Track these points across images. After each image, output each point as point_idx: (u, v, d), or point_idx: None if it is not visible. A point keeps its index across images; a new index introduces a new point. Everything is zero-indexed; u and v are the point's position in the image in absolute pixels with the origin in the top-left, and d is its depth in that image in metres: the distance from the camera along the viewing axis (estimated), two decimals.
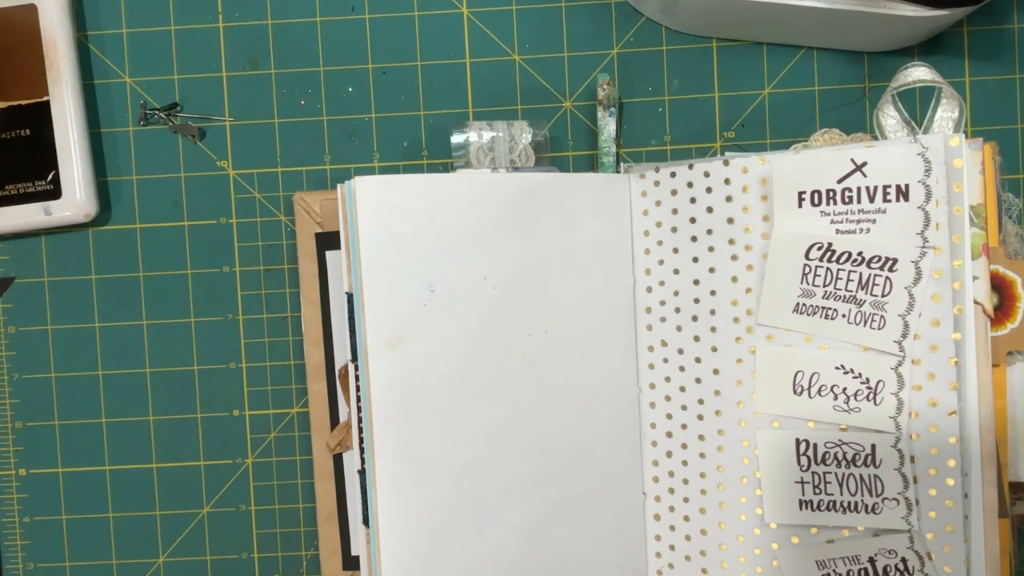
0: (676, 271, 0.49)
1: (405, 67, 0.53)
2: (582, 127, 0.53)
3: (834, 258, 0.45)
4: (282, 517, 0.54)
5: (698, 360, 0.49)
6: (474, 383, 0.47)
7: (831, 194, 0.45)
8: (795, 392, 0.46)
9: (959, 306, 0.44)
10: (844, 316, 0.45)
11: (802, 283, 0.46)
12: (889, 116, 0.48)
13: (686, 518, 0.49)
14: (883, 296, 0.45)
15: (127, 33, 0.54)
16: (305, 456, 0.54)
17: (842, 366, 0.45)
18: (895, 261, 0.44)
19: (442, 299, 0.47)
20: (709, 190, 0.48)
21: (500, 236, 0.47)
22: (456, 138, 0.51)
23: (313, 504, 0.53)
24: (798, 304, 0.46)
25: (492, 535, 0.48)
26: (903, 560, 0.45)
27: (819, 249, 0.46)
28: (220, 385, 0.54)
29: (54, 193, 0.52)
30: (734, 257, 0.48)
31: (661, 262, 0.50)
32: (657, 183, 0.49)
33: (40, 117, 0.52)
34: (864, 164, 0.45)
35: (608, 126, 0.52)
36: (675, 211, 0.49)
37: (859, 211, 0.45)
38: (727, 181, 0.48)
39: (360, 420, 0.47)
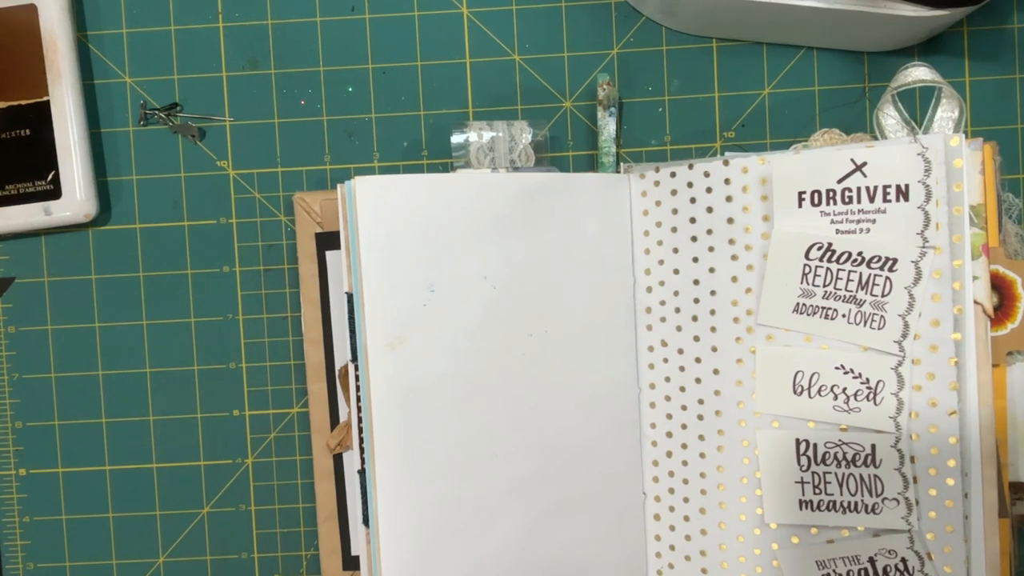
0: (676, 271, 0.49)
1: (405, 67, 0.53)
2: (582, 127, 0.53)
3: (834, 258, 0.45)
4: (282, 517, 0.54)
5: (698, 360, 0.49)
6: (474, 383, 0.47)
7: (831, 194, 0.45)
8: (795, 392, 0.46)
9: (959, 306, 0.44)
10: (844, 316, 0.45)
11: (802, 283, 0.46)
12: (889, 116, 0.48)
13: (686, 518, 0.49)
14: (883, 296, 0.45)
15: (127, 33, 0.54)
16: (305, 456, 0.54)
17: (842, 366, 0.45)
18: (895, 261, 0.44)
19: (442, 299, 0.47)
20: (709, 190, 0.48)
21: (500, 236, 0.47)
22: (456, 138, 0.51)
23: (313, 504, 0.53)
24: (798, 304, 0.46)
25: (492, 535, 0.48)
26: (903, 560, 0.45)
27: (819, 249, 0.46)
28: (220, 385, 0.54)
29: (54, 193, 0.52)
30: (734, 257, 0.48)
31: (661, 262, 0.50)
32: (657, 183, 0.49)
33: (40, 117, 0.52)
34: (864, 164, 0.45)
35: (608, 126, 0.52)
36: (675, 211, 0.49)
37: (859, 211, 0.45)
38: (727, 181, 0.48)
39: (360, 420, 0.47)
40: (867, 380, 0.45)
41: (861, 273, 0.45)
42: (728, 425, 0.48)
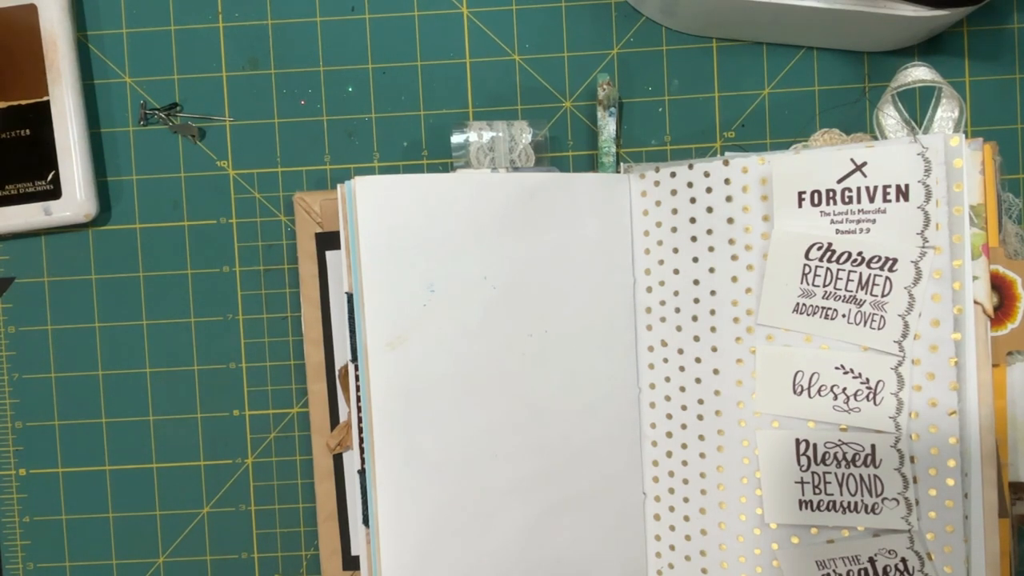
0: (676, 271, 0.49)
1: (405, 67, 0.53)
2: (582, 127, 0.53)
3: (834, 258, 0.45)
4: (282, 517, 0.54)
5: (698, 360, 0.49)
6: (474, 383, 0.47)
7: (831, 194, 0.45)
8: (795, 392, 0.46)
9: (959, 306, 0.44)
10: (844, 316, 0.45)
11: (802, 283, 0.46)
12: (889, 116, 0.48)
13: (686, 518, 0.49)
14: (883, 296, 0.45)
15: (127, 33, 0.54)
16: (305, 456, 0.54)
17: (842, 366, 0.45)
18: (895, 261, 0.44)
19: (442, 299, 0.47)
20: (709, 190, 0.48)
21: (500, 236, 0.47)
22: (456, 138, 0.51)
23: (313, 504, 0.53)
24: (798, 304, 0.46)
25: (492, 535, 0.48)
26: (903, 560, 0.45)
27: (819, 249, 0.46)
28: (220, 385, 0.54)
29: (54, 193, 0.52)
30: (734, 257, 0.48)
31: (661, 262, 0.50)
32: (657, 183, 0.49)
33: (40, 117, 0.52)
34: (864, 164, 0.45)
35: (608, 126, 0.52)
36: (675, 211, 0.49)
37: (859, 211, 0.45)
38: (727, 181, 0.48)
39: (360, 420, 0.47)
40: (867, 380, 0.45)
41: (861, 273, 0.45)
42: (728, 425, 0.48)
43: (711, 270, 0.48)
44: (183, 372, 0.54)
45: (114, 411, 0.54)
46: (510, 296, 0.48)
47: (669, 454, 0.50)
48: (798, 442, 0.46)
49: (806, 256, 0.46)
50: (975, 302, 0.44)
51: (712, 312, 0.48)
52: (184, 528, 0.54)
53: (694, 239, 0.49)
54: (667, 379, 0.50)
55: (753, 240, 0.47)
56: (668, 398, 0.50)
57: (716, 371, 0.48)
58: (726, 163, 0.48)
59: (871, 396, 0.45)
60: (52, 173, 0.52)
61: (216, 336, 0.54)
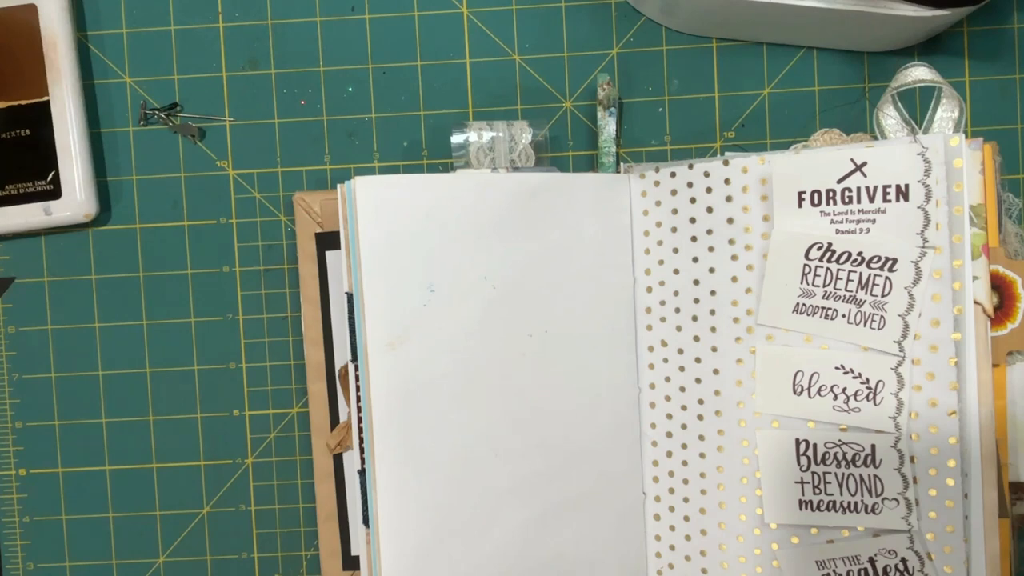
0: (676, 271, 0.49)
1: (405, 67, 0.53)
2: (582, 127, 0.53)
3: (834, 258, 0.45)
4: (282, 517, 0.54)
5: (698, 360, 0.49)
6: (474, 383, 0.47)
7: (831, 194, 0.45)
8: (795, 392, 0.46)
9: (959, 306, 0.44)
10: (844, 316, 0.45)
11: (802, 283, 0.46)
12: (889, 116, 0.48)
13: (686, 518, 0.49)
14: (883, 296, 0.45)
15: (127, 33, 0.54)
16: (305, 456, 0.54)
17: (842, 366, 0.45)
18: (895, 261, 0.44)
19: (442, 299, 0.47)
20: (709, 190, 0.48)
21: (500, 236, 0.47)
22: (456, 138, 0.51)
23: (313, 504, 0.53)
24: (798, 304, 0.46)
25: (492, 535, 0.48)
26: (903, 560, 0.45)
27: (819, 249, 0.46)
28: (220, 385, 0.54)
29: (54, 193, 0.52)
30: (734, 257, 0.48)
31: (661, 262, 0.50)
32: (657, 183, 0.49)
33: (40, 117, 0.52)
34: (864, 164, 0.45)
35: (608, 126, 0.52)
36: (675, 211, 0.49)
37: (859, 211, 0.45)
38: (727, 181, 0.48)
39: (360, 420, 0.47)
40: (867, 380, 0.45)
41: (861, 273, 0.45)
42: (728, 425, 0.48)
43: (711, 270, 0.48)
44: (183, 372, 0.54)
45: (114, 411, 0.54)
46: (510, 296, 0.48)
47: (669, 454, 0.50)
48: (798, 442, 0.46)
49: (806, 256, 0.46)
50: (975, 302, 0.44)
51: (712, 312, 0.48)
52: (184, 528, 0.54)
53: (694, 239, 0.49)
54: (667, 379, 0.50)
55: (753, 240, 0.47)
56: (668, 398, 0.50)
57: (716, 371, 0.48)
58: (726, 163, 0.48)
59: (871, 396, 0.45)
60: (52, 173, 0.52)
61: (216, 336, 0.54)
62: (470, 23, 0.53)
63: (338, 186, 0.47)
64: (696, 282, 0.49)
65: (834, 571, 0.46)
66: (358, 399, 0.47)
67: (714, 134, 0.53)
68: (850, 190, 0.45)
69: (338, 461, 0.52)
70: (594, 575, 0.49)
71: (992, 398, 0.44)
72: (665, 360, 0.50)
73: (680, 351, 0.49)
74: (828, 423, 0.46)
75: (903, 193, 0.44)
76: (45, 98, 0.52)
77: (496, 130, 0.51)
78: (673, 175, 0.49)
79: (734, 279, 0.48)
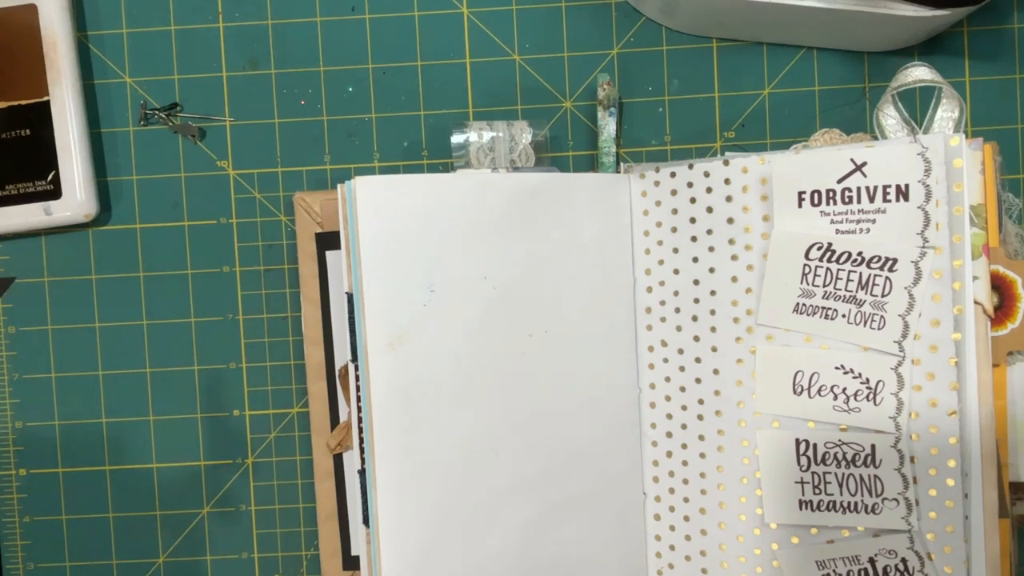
0: (676, 271, 0.49)
1: (405, 67, 0.53)
2: (582, 127, 0.53)
3: (834, 258, 0.45)
4: (282, 517, 0.54)
5: (698, 360, 0.49)
6: (474, 383, 0.47)
7: (831, 194, 0.45)
8: (795, 392, 0.46)
9: (959, 306, 0.44)
10: (844, 316, 0.45)
11: (802, 283, 0.46)
12: (889, 116, 0.48)
13: (686, 518, 0.49)
14: (883, 296, 0.45)
15: (127, 33, 0.54)
16: (305, 456, 0.54)
17: (842, 366, 0.45)
18: (895, 261, 0.44)
19: (442, 299, 0.47)
20: (709, 190, 0.48)
21: (500, 236, 0.47)
22: (456, 138, 0.51)
23: (313, 504, 0.53)
24: (798, 304, 0.46)
25: (492, 535, 0.48)
26: (903, 560, 0.45)
27: (819, 249, 0.46)
28: (220, 385, 0.54)
29: (54, 193, 0.52)
30: (734, 257, 0.48)
31: (661, 262, 0.50)
32: (657, 183, 0.49)
33: (40, 117, 0.52)
34: (864, 164, 0.45)
35: (608, 126, 0.52)
36: (675, 211, 0.49)
37: (859, 211, 0.45)
38: (727, 181, 0.48)
39: (360, 420, 0.47)
40: (867, 380, 0.45)
41: (861, 273, 0.45)
42: (728, 425, 0.48)
43: (711, 270, 0.48)
44: (183, 372, 0.54)
45: (114, 411, 0.54)
46: (510, 296, 0.48)
47: (669, 454, 0.50)
48: (798, 442, 0.46)
49: (806, 256, 0.46)
50: (975, 302, 0.44)
51: (712, 312, 0.48)
52: (184, 528, 0.54)
53: (694, 239, 0.49)
54: (667, 379, 0.50)
55: (753, 240, 0.47)
56: (668, 398, 0.50)
57: (716, 371, 0.48)
58: (726, 163, 0.48)
59: (871, 396, 0.45)
60: (52, 173, 0.52)
61: (216, 336, 0.54)
62: (470, 23, 0.53)
63: (338, 186, 0.47)
64: (696, 282, 0.49)
65: (834, 571, 0.46)
66: (358, 399, 0.47)
67: (714, 134, 0.53)
68: (850, 190, 0.45)
69: (338, 461, 0.52)
70: (594, 575, 0.49)
71: (992, 398, 0.44)
72: (665, 360, 0.50)
73: (680, 351, 0.49)
74: (828, 423, 0.46)
75: (903, 193, 0.44)
76: (45, 98, 0.52)
77: (496, 130, 0.51)
78: (673, 175, 0.49)
79: (734, 279, 0.48)
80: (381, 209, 0.46)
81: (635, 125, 0.53)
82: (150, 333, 0.54)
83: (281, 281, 0.54)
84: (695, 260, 0.49)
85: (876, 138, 0.48)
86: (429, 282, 0.47)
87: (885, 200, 0.44)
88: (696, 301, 0.49)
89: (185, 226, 0.54)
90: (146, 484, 0.54)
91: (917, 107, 0.52)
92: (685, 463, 0.49)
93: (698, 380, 0.49)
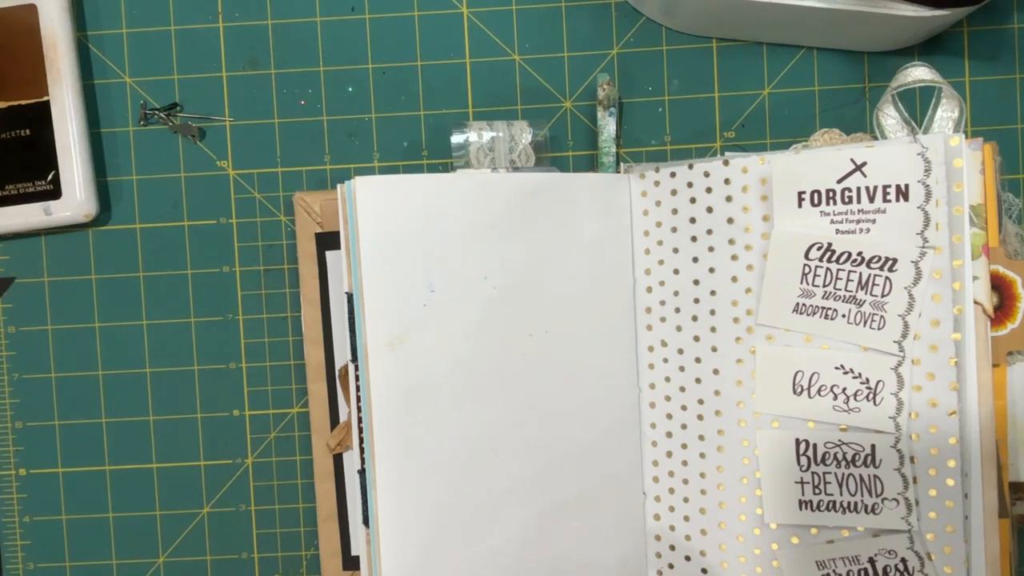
0: (676, 271, 0.49)
1: (405, 67, 0.53)
2: (582, 127, 0.53)
3: (834, 258, 0.45)
4: (282, 517, 0.54)
5: (698, 360, 0.49)
6: (474, 383, 0.47)
7: (831, 194, 0.45)
8: (795, 392, 0.46)
9: (959, 306, 0.44)
10: (844, 316, 0.45)
11: (802, 283, 0.46)
12: (889, 116, 0.48)
13: (686, 518, 0.49)
14: (883, 296, 0.45)
15: (127, 33, 0.54)
16: (305, 456, 0.54)
17: (842, 366, 0.45)
18: (895, 261, 0.44)
19: (442, 299, 0.47)
20: (709, 190, 0.48)
21: (500, 236, 0.47)
22: (456, 138, 0.51)
23: (313, 504, 0.53)
24: (798, 304, 0.46)
25: (492, 535, 0.48)
26: (903, 560, 0.45)
27: (819, 249, 0.46)
28: (220, 385, 0.54)
29: (54, 193, 0.52)
30: (734, 257, 0.48)
31: (661, 262, 0.50)
32: (657, 183, 0.49)
33: (40, 117, 0.52)
34: (864, 164, 0.45)
35: (608, 126, 0.52)
36: (675, 211, 0.49)
37: (859, 211, 0.45)
38: (727, 181, 0.48)
39: (360, 420, 0.47)
40: (867, 380, 0.45)
41: (861, 273, 0.45)
42: (728, 425, 0.48)
43: (711, 270, 0.48)
44: (183, 372, 0.54)
45: (114, 411, 0.54)
46: (510, 296, 0.48)
47: (669, 454, 0.50)
48: (798, 442, 0.46)
49: (806, 256, 0.46)
50: (975, 302, 0.44)
51: (712, 312, 0.48)
52: (184, 528, 0.54)
53: (694, 239, 0.49)
54: (667, 379, 0.50)
55: (753, 240, 0.47)
56: (668, 398, 0.50)
57: (716, 371, 0.48)
58: (726, 163, 0.48)
59: (871, 396, 0.45)
60: (52, 173, 0.52)
61: (216, 336, 0.54)
62: (470, 23, 0.53)
63: (338, 186, 0.47)
64: (696, 282, 0.49)
65: (834, 571, 0.46)
66: (358, 399, 0.47)
67: (714, 134, 0.53)
68: (850, 190, 0.45)
69: (338, 461, 0.52)
70: (594, 575, 0.49)
71: (992, 398, 0.44)
72: (665, 360, 0.50)
73: (680, 351, 0.49)
74: (828, 423, 0.46)
75: (903, 193, 0.44)
76: (45, 98, 0.52)
77: (496, 130, 0.51)
78: (673, 175, 0.49)
79: (734, 279, 0.48)
80: (381, 209, 0.46)
81: (635, 125, 0.53)
82: (150, 333, 0.54)
83: (281, 281, 0.54)
84: (695, 260, 0.49)
85: (876, 138, 0.48)
86: (429, 282, 0.47)
87: (885, 200, 0.44)
88: (696, 301, 0.49)
89: (185, 226, 0.54)
90: (146, 484, 0.54)
91: (917, 107, 0.52)
92: (685, 463, 0.49)
93: (698, 380, 0.49)
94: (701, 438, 0.49)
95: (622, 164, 0.52)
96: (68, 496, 0.54)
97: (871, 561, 0.45)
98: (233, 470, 0.54)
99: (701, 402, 0.49)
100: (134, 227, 0.54)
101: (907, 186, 0.44)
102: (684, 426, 0.49)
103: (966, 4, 0.46)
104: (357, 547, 0.52)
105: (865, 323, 0.45)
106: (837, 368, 0.45)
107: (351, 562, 0.52)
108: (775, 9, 0.48)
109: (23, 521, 0.54)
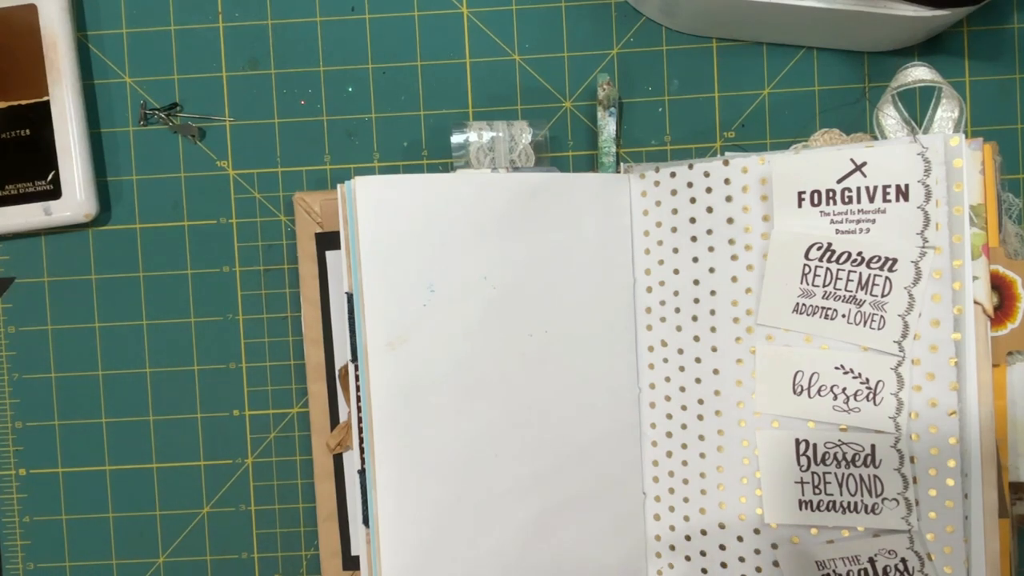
0: (676, 271, 0.49)
1: (405, 67, 0.53)
2: (582, 127, 0.53)
3: (834, 258, 0.45)
4: (282, 517, 0.54)
5: (698, 360, 0.49)
6: (474, 383, 0.47)
7: (831, 194, 0.45)
8: (795, 392, 0.46)
9: (959, 306, 0.44)
10: (844, 316, 0.45)
11: (802, 283, 0.46)
12: (889, 116, 0.48)
13: (686, 518, 0.49)
14: (883, 296, 0.45)
15: (127, 33, 0.54)
16: (305, 456, 0.54)
17: (842, 366, 0.45)
18: (895, 261, 0.44)
19: (442, 299, 0.47)
20: (709, 190, 0.48)
21: (500, 236, 0.47)
22: (456, 138, 0.51)
23: (313, 504, 0.53)
24: (798, 304, 0.46)
25: (492, 535, 0.48)
26: (903, 560, 0.45)
27: (819, 249, 0.46)
28: (220, 385, 0.54)
29: (54, 193, 0.52)
30: (734, 257, 0.48)
31: (661, 262, 0.50)
32: (657, 183, 0.49)
33: (40, 117, 0.52)
34: (864, 164, 0.45)
35: (608, 126, 0.52)
36: (675, 211, 0.49)
37: (859, 211, 0.45)
38: (727, 181, 0.48)
39: (360, 420, 0.47)
40: (867, 380, 0.45)
41: (861, 273, 0.45)
42: (728, 425, 0.48)
43: (711, 270, 0.48)
44: (183, 372, 0.54)
45: (114, 411, 0.54)
46: (510, 296, 0.48)
47: (669, 454, 0.50)
48: (798, 442, 0.46)
49: (806, 256, 0.46)
50: (975, 302, 0.44)
51: (712, 312, 0.48)
52: (184, 528, 0.54)
53: (694, 239, 0.49)
54: (667, 379, 0.50)
55: (753, 240, 0.47)
56: (668, 398, 0.50)
57: (716, 371, 0.48)
58: (726, 163, 0.48)
59: (871, 396, 0.45)
60: (52, 173, 0.52)
61: (216, 336, 0.54)
62: (470, 23, 0.53)
63: (338, 186, 0.47)
64: (696, 282, 0.49)
65: (834, 571, 0.46)
66: (358, 399, 0.47)
67: (714, 134, 0.53)
68: (850, 190, 0.45)
69: (338, 461, 0.52)
70: (594, 575, 0.49)
71: (992, 398, 0.44)
72: (665, 360, 0.50)
73: (680, 351, 0.49)
74: (828, 423, 0.46)
75: (903, 193, 0.44)
76: (45, 98, 0.52)
77: (496, 130, 0.51)
78: (673, 175, 0.49)
79: (734, 279, 0.48)
80: (381, 209, 0.46)
81: (635, 125, 0.53)
82: (150, 333, 0.54)
83: (281, 281, 0.54)
84: (695, 260, 0.49)
85: (876, 138, 0.48)
86: (429, 282, 0.47)
87: (885, 200, 0.44)
88: (696, 301, 0.49)
89: (185, 226, 0.54)
90: (146, 484, 0.54)
91: (917, 107, 0.52)
92: (685, 463, 0.49)
93: (698, 380, 0.49)
94: (701, 438, 0.49)
95: (622, 164, 0.52)
96: (68, 496, 0.54)
97: (871, 561, 0.45)
98: (233, 470, 0.54)
99: (701, 402, 0.49)
100: (134, 227, 0.54)
101: (907, 186, 0.44)
102: (684, 426, 0.49)
103: (966, 4, 0.46)
104: (357, 547, 0.52)
105: (865, 323, 0.45)
106: (837, 368, 0.45)
107: (351, 562, 0.52)
108: (775, 9, 0.48)
109: (23, 521, 0.54)
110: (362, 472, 0.47)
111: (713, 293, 0.48)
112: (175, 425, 0.54)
